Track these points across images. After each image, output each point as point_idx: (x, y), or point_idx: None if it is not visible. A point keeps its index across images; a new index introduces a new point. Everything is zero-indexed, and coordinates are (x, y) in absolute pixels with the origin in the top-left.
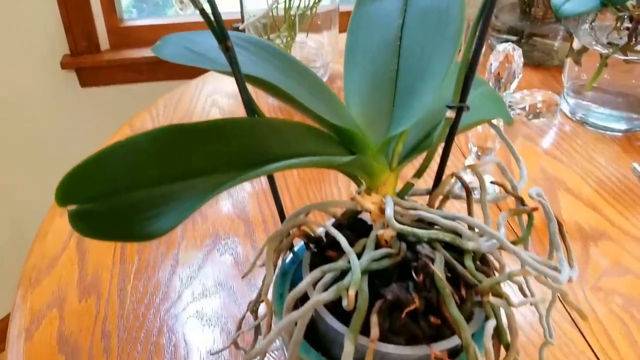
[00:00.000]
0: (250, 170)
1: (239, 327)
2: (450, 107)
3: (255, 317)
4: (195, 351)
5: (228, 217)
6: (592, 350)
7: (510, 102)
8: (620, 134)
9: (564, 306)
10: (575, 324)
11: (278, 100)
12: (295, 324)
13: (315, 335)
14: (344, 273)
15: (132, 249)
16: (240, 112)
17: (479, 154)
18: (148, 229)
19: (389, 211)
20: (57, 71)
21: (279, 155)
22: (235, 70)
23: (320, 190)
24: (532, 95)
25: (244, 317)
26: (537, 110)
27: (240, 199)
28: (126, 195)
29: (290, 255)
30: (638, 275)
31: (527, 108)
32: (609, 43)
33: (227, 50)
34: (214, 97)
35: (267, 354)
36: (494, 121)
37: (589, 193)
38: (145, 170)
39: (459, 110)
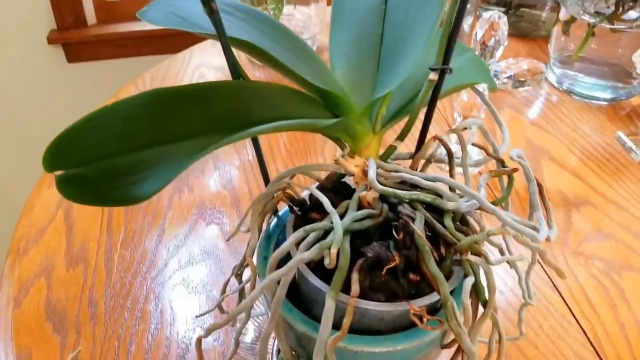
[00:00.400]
0: (235, 133)
1: (224, 291)
2: (433, 70)
3: (240, 281)
4: (181, 317)
5: (214, 188)
6: (572, 314)
7: (496, 70)
8: (605, 103)
9: (545, 271)
10: (556, 288)
11: (263, 64)
12: (279, 283)
13: (297, 296)
14: (326, 233)
15: (118, 219)
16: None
17: None
18: (134, 192)
19: (372, 173)
20: (44, 46)
21: (263, 119)
22: (220, 34)
23: (307, 161)
24: (518, 64)
25: (228, 281)
26: (522, 79)
27: (227, 171)
28: (112, 160)
29: (275, 219)
30: (619, 241)
31: (512, 77)
32: (596, 12)
33: (212, 12)
34: (201, 70)
35: (251, 320)
36: (480, 89)
37: (573, 161)
38: (130, 135)
39: (442, 73)
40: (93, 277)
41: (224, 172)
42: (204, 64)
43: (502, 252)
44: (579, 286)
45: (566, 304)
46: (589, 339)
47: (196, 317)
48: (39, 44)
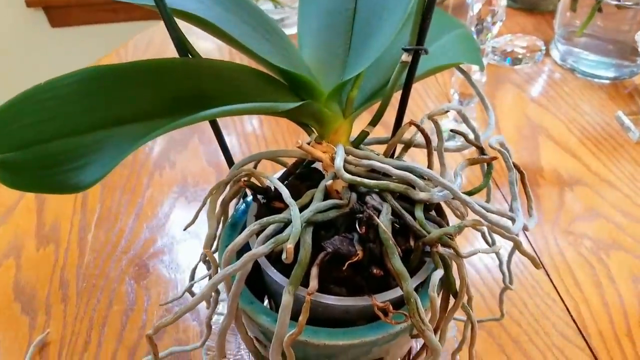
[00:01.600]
0: (184, 116)
1: (192, 278)
2: (406, 50)
3: (208, 267)
4: (158, 299)
5: (198, 164)
6: (557, 292)
7: (493, 47)
8: (608, 81)
9: (534, 249)
10: (543, 267)
11: (219, 39)
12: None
13: (263, 284)
14: (287, 224)
15: (94, 197)
16: (217, 56)
17: (461, 100)
18: (74, 180)
19: (339, 161)
20: (22, 10)
21: (218, 100)
22: (158, 4)
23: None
24: (516, 40)
25: (195, 267)
26: (519, 56)
27: (213, 146)
28: (49, 144)
29: (243, 205)
30: (609, 220)
31: (510, 53)
32: None
33: None
34: (189, 39)
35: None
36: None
37: (570, 140)
38: (69, 117)
39: (416, 54)
40: (65, 257)
41: (209, 146)
42: (192, 32)
43: (484, 237)
44: (566, 265)
45: (552, 282)
46: (572, 316)
47: (160, 305)
48: (17, 7)
